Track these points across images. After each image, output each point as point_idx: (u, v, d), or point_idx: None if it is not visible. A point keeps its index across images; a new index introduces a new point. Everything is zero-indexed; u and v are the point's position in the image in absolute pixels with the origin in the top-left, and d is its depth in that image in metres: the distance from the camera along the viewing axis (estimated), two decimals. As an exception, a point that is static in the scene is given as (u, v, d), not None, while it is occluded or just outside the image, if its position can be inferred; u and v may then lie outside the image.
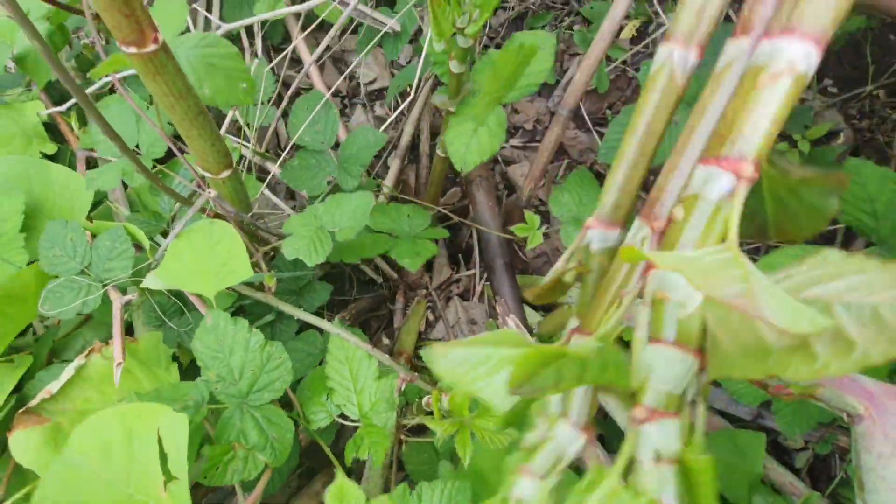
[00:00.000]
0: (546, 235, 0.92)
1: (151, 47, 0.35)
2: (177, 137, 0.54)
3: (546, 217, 0.96)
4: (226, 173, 0.50)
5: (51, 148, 0.73)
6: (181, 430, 0.36)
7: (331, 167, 0.70)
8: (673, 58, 0.23)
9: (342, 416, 0.54)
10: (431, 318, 0.84)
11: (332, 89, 0.83)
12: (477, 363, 0.20)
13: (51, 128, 0.78)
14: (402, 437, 0.57)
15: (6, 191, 0.64)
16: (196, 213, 0.56)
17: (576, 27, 1.07)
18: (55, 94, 0.81)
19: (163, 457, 0.37)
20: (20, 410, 0.44)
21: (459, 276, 0.86)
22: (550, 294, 0.29)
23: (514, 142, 1.01)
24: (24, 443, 0.43)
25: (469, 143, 0.53)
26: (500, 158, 0.99)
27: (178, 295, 0.61)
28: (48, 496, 0.37)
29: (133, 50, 0.35)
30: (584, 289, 0.26)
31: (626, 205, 0.26)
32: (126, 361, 0.52)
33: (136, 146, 0.57)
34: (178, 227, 0.47)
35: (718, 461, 0.20)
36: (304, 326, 0.69)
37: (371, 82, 1.09)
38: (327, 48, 1.01)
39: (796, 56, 0.19)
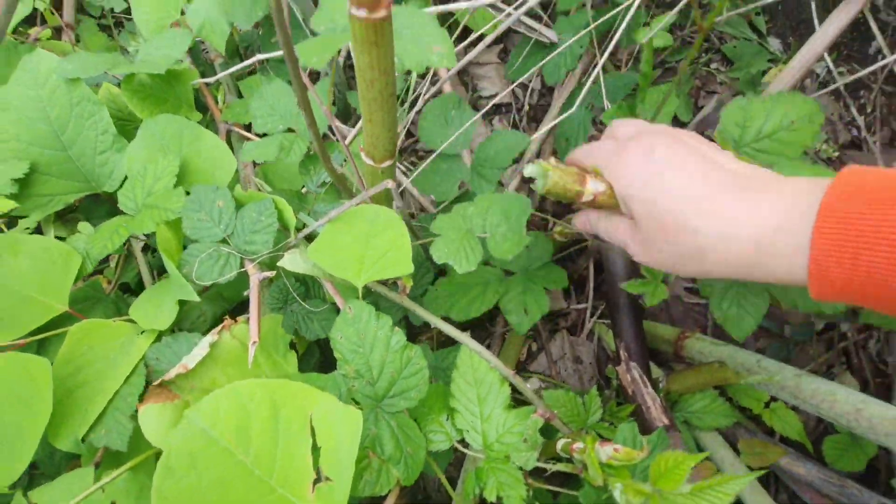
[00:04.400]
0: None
1: (382, 13, 0.33)
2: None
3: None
4: (388, 163, 0.47)
5: (196, 116, 0.75)
6: (351, 426, 0.32)
7: (463, 171, 0.67)
8: None
9: (462, 441, 0.49)
10: (535, 347, 0.78)
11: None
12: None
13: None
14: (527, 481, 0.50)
15: (161, 148, 0.65)
16: (340, 201, 0.54)
17: (713, 65, 1.02)
18: (199, 65, 0.84)
19: (315, 450, 0.33)
20: (155, 383, 0.41)
21: (570, 309, 0.80)
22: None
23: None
24: (155, 418, 0.40)
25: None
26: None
27: (303, 280, 0.59)
28: (175, 468, 0.33)
29: (363, 13, 0.33)
30: None
31: None
32: (241, 343, 0.50)
33: (290, 128, 0.56)
34: (343, 207, 0.44)
35: None
36: (409, 337, 0.65)
37: (492, 96, 1.08)
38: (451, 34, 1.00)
39: None
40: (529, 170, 0.43)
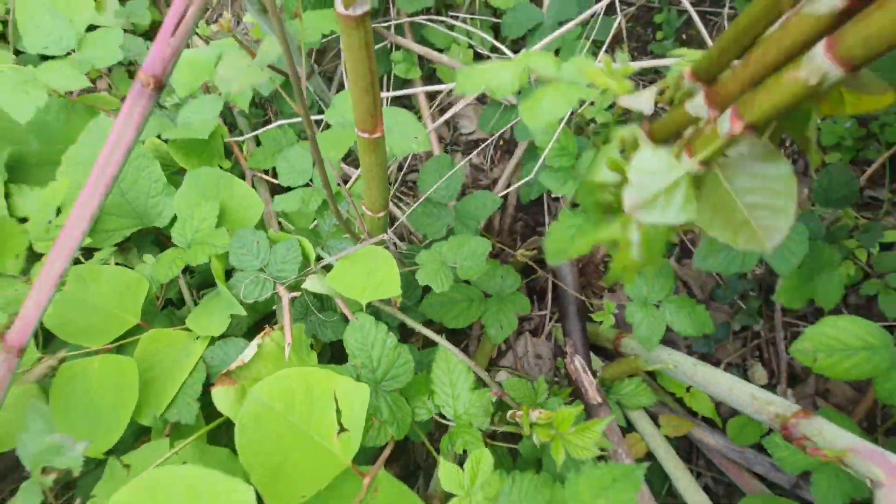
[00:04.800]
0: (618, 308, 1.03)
1: (377, 134, 0.51)
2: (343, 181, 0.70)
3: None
4: (382, 213, 0.65)
5: (226, 163, 0.92)
6: (361, 396, 0.50)
7: (450, 217, 0.84)
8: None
9: (440, 414, 0.67)
10: (503, 347, 0.96)
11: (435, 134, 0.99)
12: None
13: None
14: (486, 441, 0.68)
15: (203, 194, 0.82)
16: (349, 240, 0.72)
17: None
18: (221, 113, 1.02)
19: (337, 412, 0.50)
20: (223, 372, 0.59)
21: (532, 315, 0.98)
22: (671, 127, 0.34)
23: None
24: (224, 396, 0.58)
25: (566, 245, 0.65)
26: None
27: (320, 297, 0.77)
28: (247, 425, 0.51)
29: (365, 135, 0.51)
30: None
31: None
32: (276, 345, 0.67)
33: (310, 180, 0.74)
34: (352, 249, 0.62)
35: None
36: (402, 340, 0.83)
37: (470, 133, 1.26)
38: (437, 98, 1.18)
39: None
40: None
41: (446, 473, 0.52)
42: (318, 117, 0.95)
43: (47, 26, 0.90)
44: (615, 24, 1.00)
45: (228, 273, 0.94)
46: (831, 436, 0.59)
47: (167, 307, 0.92)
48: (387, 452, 0.58)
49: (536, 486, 0.52)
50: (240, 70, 0.42)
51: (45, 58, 1.19)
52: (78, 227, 0.52)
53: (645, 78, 1.17)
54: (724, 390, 0.70)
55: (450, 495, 0.52)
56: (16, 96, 0.77)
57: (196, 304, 0.91)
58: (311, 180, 0.75)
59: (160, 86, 0.48)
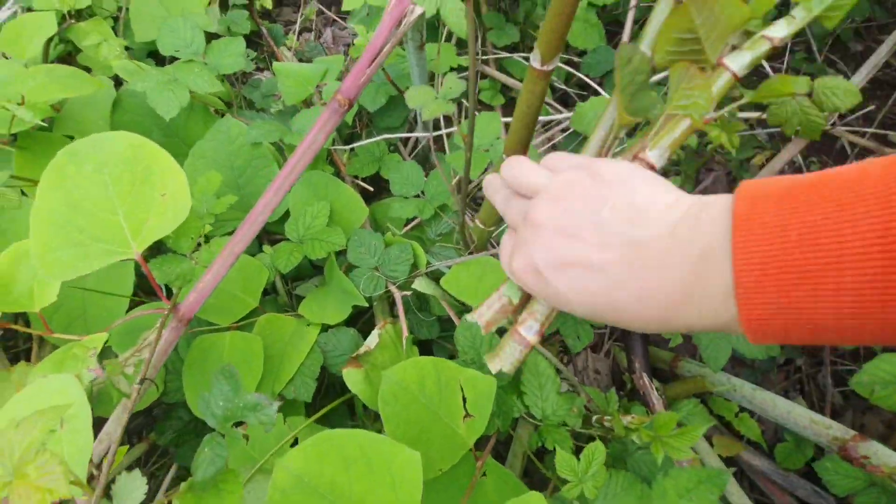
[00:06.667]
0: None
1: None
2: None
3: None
4: (493, 227, 0.74)
5: (329, 169, 1.01)
6: (488, 386, 0.58)
7: None
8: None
9: (528, 413, 0.74)
10: (564, 360, 1.04)
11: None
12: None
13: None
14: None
15: (314, 194, 0.91)
16: (453, 249, 0.80)
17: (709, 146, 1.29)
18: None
19: (463, 399, 0.58)
20: (353, 355, 0.67)
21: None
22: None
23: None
24: (354, 377, 0.66)
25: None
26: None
27: (420, 297, 0.85)
28: (388, 400, 0.58)
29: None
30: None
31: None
32: (389, 337, 0.75)
33: (422, 191, 0.83)
34: (464, 259, 0.70)
35: None
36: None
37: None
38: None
39: None
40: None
41: (562, 461, 0.59)
42: (414, 135, 1.04)
43: (181, 30, 1.00)
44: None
45: (318, 268, 1.02)
46: (885, 457, 0.66)
47: (266, 295, 1.01)
48: (493, 441, 0.65)
49: (630, 482, 0.59)
50: (429, 100, 0.51)
51: (159, 58, 1.29)
52: (264, 213, 0.60)
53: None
54: (782, 414, 0.77)
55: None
56: (162, 94, 0.87)
57: (289, 293, 0.99)
58: (422, 192, 0.83)
59: (351, 107, 0.57)
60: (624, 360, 0.99)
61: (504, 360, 0.54)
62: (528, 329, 0.51)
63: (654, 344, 1.09)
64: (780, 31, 0.44)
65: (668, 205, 0.33)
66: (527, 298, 0.52)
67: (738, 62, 0.43)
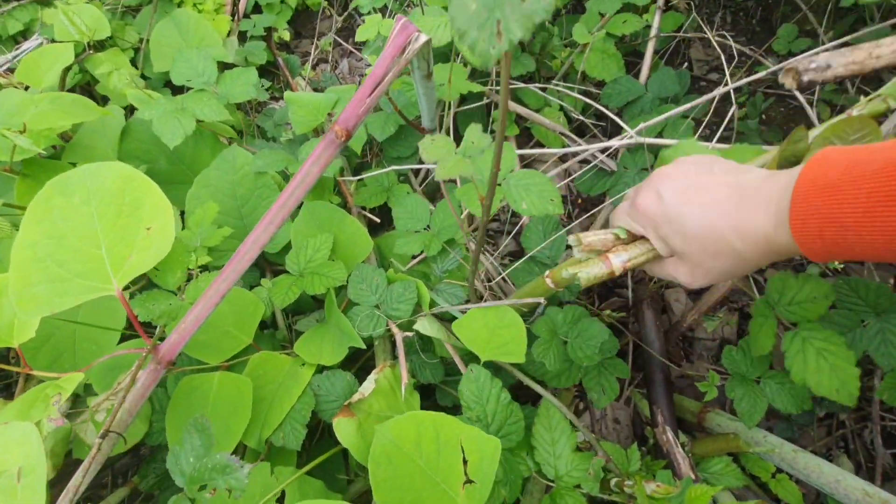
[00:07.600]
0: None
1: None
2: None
3: (690, 341, 1.06)
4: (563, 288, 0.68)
5: (335, 200, 0.98)
6: (492, 449, 0.51)
7: None
8: None
9: (539, 472, 0.67)
10: (581, 406, 0.96)
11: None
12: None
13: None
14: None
15: (318, 226, 0.87)
16: (459, 287, 0.75)
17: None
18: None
19: (463, 462, 0.51)
20: (345, 403, 0.61)
21: (612, 378, 0.97)
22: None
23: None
24: (345, 428, 0.60)
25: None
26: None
27: (423, 338, 0.79)
28: (380, 463, 0.52)
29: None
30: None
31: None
32: (387, 382, 0.70)
33: (428, 226, 0.78)
34: (479, 305, 0.65)
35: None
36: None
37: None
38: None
39: None
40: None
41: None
42: (424, 166, 1.01)
43: (194, 61, 0.99)
44: (712, 105, 1.04)
45: (319, 302, 0.97)
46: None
47: (265, 329, 0.96)
48: (497, 508, 0.58)
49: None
50: (447, 156, 0.46)
51: (177, 88, 1.30)
52: (251, 250, 0.56)
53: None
54: (829, 482, 0.68)
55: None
56: (168, 122, 0.85)
57: (289, 327, 0.95)
58: (427, 226, 0.79)
59: (349, 137, 0.53)
60: (646, 408, 0.90)
61: (585, 272, 0.54)
62: (618, 257, 0.53)
63: (680, 391, 1.00)
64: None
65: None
66: (632, 239, 0.55)
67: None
